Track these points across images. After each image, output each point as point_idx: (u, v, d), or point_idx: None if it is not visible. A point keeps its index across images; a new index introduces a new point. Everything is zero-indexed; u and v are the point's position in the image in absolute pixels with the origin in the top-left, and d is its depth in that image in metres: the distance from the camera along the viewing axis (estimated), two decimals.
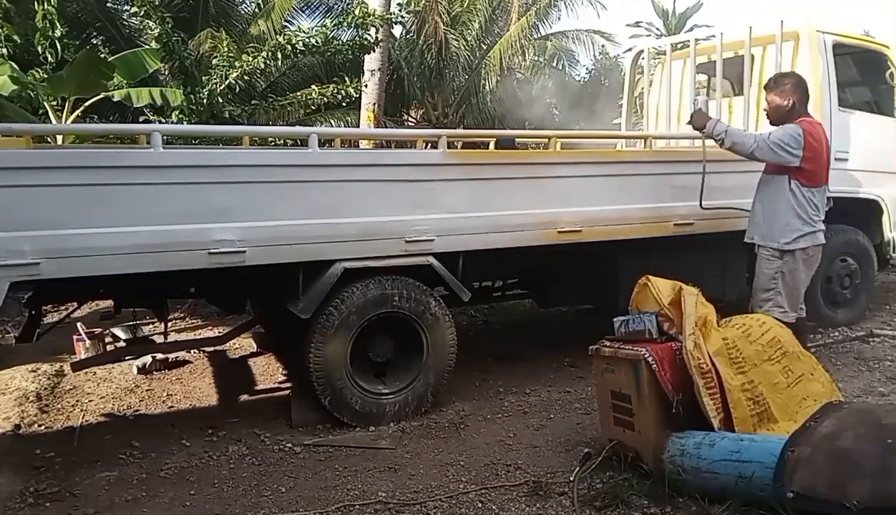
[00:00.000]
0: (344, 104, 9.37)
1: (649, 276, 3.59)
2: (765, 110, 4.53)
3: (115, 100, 7.74)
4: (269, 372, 5.29)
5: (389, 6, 9.26)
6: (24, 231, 3.21)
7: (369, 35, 8.11)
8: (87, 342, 5.38)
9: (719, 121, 4.50)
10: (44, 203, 3.25)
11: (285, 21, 13.01)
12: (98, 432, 4.17)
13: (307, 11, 15.25)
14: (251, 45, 9.40)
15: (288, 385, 4.91)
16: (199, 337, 6.02)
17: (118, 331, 5.57)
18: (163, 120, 7.81)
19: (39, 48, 7.13)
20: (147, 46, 9.04)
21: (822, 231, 4.39)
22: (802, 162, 4.15)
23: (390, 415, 4.13)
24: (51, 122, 7.26)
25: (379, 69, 9.56)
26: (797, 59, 5.65)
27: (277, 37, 8.46)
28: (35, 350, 5.02)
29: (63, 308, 5.73)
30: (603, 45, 21.71)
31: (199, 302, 6.61)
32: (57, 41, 7.08)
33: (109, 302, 4.55)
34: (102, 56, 8.81)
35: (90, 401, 4.70)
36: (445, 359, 4.27)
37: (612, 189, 4.65)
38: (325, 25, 8.20)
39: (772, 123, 4.39)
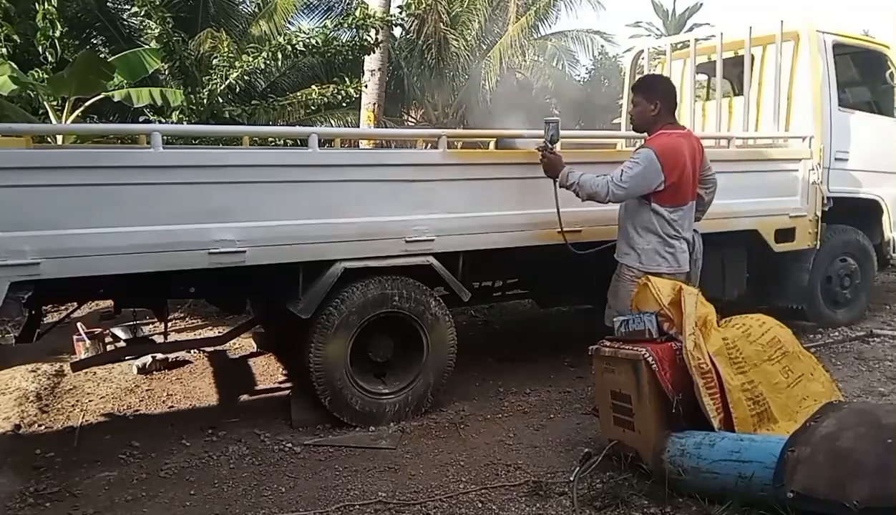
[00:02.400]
0: (344, 104, 9.36)
1: (649, 276, 3.59)
2: (630, 113, 4.27)
3: (115, 100, 7.74)
4: (269, 372, 5.29)
5: (389, 7, 9.27)
6: (24, 231, 3.20)
7: (369, 36, 8.11)
8: (87, 342, 5.38)
9: (572, 171, 4.01)
10: (44, 203, 3.25)
11: (287, 22, 13.02)
12: (98, 432, 4.17)
13: (307, 12, 15.27)
14: (251, 45, 9.40)
15: (288, 385, 4.91)
16: (199, 337, 6.02)
17: (118, 331, 5.57)
18: (163, 120, 7.81)
19: (39, 48, 7.14)
20: (147, 46, 9.04)
21: (686, 256, 3.97)
22: (665, 188, 3.79)
23: (390, 415, 4.13)
24: (51, 122, 7.26)
25: (379, 69, 9.57)
26: (797, 59, 5.65)
27: (278, 37, 8.46)
28: (35, 350, 5.02)
29: (63, 308, 5.73)
30: (602, 46, 21.74)
31: (199, 302, 6.61)
32: (57, 41, 7.09)
33: (109, 302, 4.55)
34: (102, 56, 8.83)
35: (90, 401, 4.70)
36: (445, 359, 4.27)
37: None
38: (325, 26, 8.21)
39: (635, 128, 4.13)
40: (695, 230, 4.14)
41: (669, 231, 3.89)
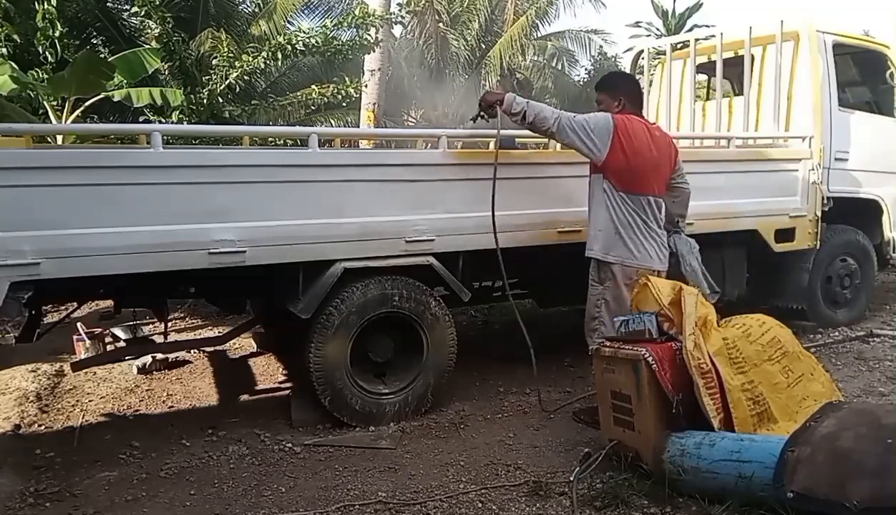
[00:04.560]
0: (344, 104, 9.37)
1: (649, 276, 3.59)
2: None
3: (115, 100, 7.74)
4: (269, 372, 5.29)
5: (389, 6, 9.27)
6: (24, 231, 3.20)
7: (369, 35, 8.11)
8: (87, 342, 5.38)
9: (517, 97, 3.90)
10: (44, 203, 3.25)
11: (287, 22, 13.01)
12: (98, 432, 4.16)
13: (307, 12, 15.27)
14: (252, 45, 9.40)
15: (288, 385, 4.91)
16: (199, 337, 6.02)
17: (118, 331, 5.57)
18: (163, 120, 7.82)
19: (39, 48, 7.14)
20: (147, 46, 9.04)
21: (655, 252, 3.82)
22: (609, 158, 3.71)
23: (390, 415, 4.13)
24: (51, 122, 7.26)
25: (379, 69, 9.57)
26: (797, 59, 5.65)
27: (278, 37, 8.46)
28: (35, 350, 5.02)
29: (63, 308, 5.73)
30: (601, 46, 21.73)
31: (199, 302, 6.61)
32: (57, 41, 7.09)
33: (109, 302, 4.55)
34: (102, 56, 8.82)
35: (90, 401, 4.70)
36: (445, 359, 4.27)
37: None
38: (325, 26, 8.21)
39: None
40: (678, 233, 4.12)
41: (624, 217, 3.76)
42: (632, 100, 3.93)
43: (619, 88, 3.97)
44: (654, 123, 4.08)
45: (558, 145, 4.56)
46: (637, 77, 7.71)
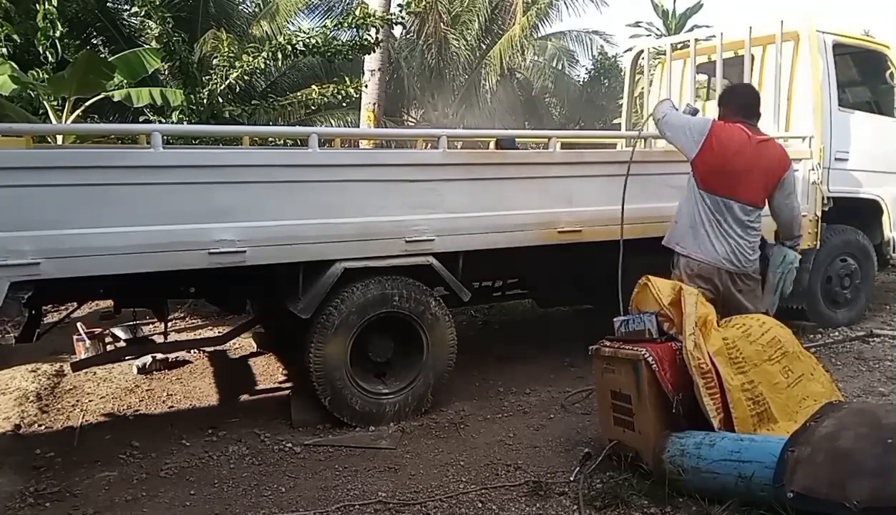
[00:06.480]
0: (344, 104, 9.38)
1: (649, 276, 3.59)
2: None
3: (116, 100, 7.75)
4: (269, 372, 5.29)
5: (389, 6, 9.27)
6: (24, 231, 3.20)
7: (369, 35, 8.11)
8: (87, 342, 5.37)
9: (669, 102, 4.39)
10: (44, 203, 3.25)
11: (287, 22, 13.02)
12: (98, 432, 4.16)
13: (307, 12, 15.28)
14: (252, 45, 9.41)
15: (288, 385, 4.91)
16: (199, 337, 6.02)
17: (118, 331, 5.57)
18: (163, 120, 7.82)
19: (40, 48, 7.14)
20: (147, 46, 9.04)
21: (721, 251, 3.89)
22: (697, 157, 3.94)
23: (390, 415, 4.13)
24: (51, 122, 7.26)
25: (379, 69, 9.57)
26: (797, 59, 5.65)
27: (278, 37, 8.47)
28: (35, 350, 5.02)
29: (63, 308, 5.73)
30: (602, 46, 21.74)
31: (199, 302, 6.61)
32: (57, 41, 7.09)
33: (109, 302, 4.55)
34: (102, 56, 8.83)
35: (90, 401, 4.70)
36: (445, 359, 4.27)
37: (612, 189, 4.64)
38: (325, 26, 8.21)
39: None
40: (781, 244, 4.20)
41: (700, 214, 3.95)
42: (736, 110, 4.09)
43: (723, 99, 4.29)
44: (763, 135, 4.10)
45: (558, 145, 4.58)
46: (637, 77, 7.73)
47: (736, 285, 3.97)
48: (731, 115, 4.08)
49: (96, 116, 8.71)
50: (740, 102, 4.14)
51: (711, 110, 6.13)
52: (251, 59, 7.80)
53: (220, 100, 7.71)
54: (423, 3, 10.26)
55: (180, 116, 7.39)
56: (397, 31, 15.50)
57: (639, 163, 4.48)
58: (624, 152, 5.20)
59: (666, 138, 4.24)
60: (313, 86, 9.01)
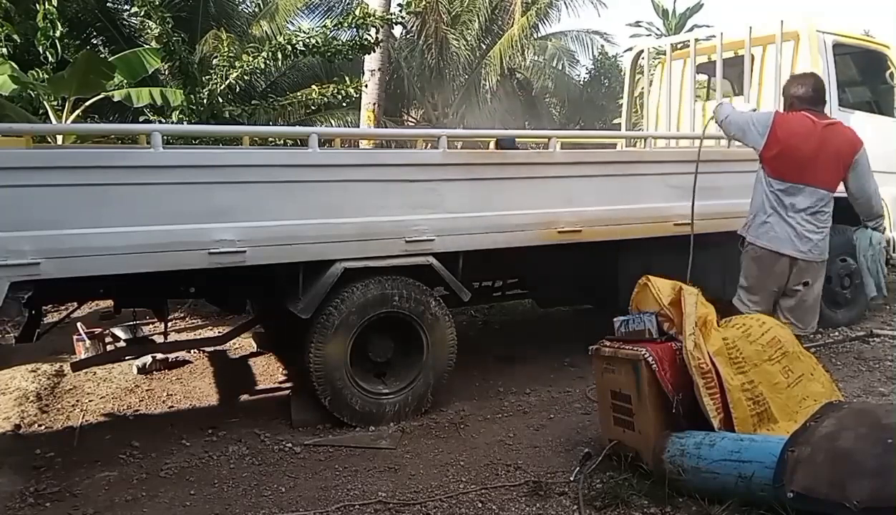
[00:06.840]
0: (344, 104, 9.37)
1: (649, 276, 3.59)
2: None
3: (116, 100, 7.75)
4: (269, 372, 5.29)
5: (389, 6, 9.28)
6: (24, 231, 3.20)
7: (369, 35, 8.12)
8: (87, 342, 5.37)
9: (728, 105, 4.53)
10: (44, 203, 3.25)
11: (287, 22, 13.03)
12: (98, 432, 4.16)
13: (307, 12, 15.28)
14: (252, 45, 9.41)
15: (288, 385, 4.91)
16: (199, 337, 6.02)
17: (118, 331, 5.57)
18: (163, 120, 7.82)
19: (40, 48, 7.14)
20: (147, 46, 9.05)
21: (786, 238, 4.04)
22: (765, 149, 4.07)
23: (390, 415, 4.13)
24: (51, 122, 7.27)
25: (379, 69, 9.57)
26: (797, 59, 5.66)
27: (278, 37, 8.47)
28: (35, 350, 5.01)
29: (63, 308, 5.73)
30: (602, 46, 21.75)
31: (199, 302, 6.61)
32: (57, 41, 7.09)
33: (109, 302, 4.55)
34: (102, 56, 8.83)
35: (90, 401, 4.70)
36: (445, 359, 4.27)
37: (612, 189, 4.64)
38: (325, 26, 8.21)
39: None
40: (864, 227, 4.32)
41: (767, 202, 4.06)
42: (801, 99, 4.16)
43: (786, 91, 4.32)
44: (830, 119, 4.25)
45: (558, 145, 4.58)
46: (637, 77, 7.73)
47: (798, 277, 4.10)
48: (795, 105, 4.16)
49: (96, 116, 8.71)
50: (800, 93, 4.20)
51: (711, 110, 6.16)
52: (251, 59, 7.80)
53: (220, 100, 7.71)
54: (423, 3, 10.27)
55: (180, 116, 7.39)
56: (397, 31, 15.51)
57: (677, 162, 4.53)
58: (624, 152, 5.21)
59: (732, 137, 4.42)
60: (313, 86, 9.01)
